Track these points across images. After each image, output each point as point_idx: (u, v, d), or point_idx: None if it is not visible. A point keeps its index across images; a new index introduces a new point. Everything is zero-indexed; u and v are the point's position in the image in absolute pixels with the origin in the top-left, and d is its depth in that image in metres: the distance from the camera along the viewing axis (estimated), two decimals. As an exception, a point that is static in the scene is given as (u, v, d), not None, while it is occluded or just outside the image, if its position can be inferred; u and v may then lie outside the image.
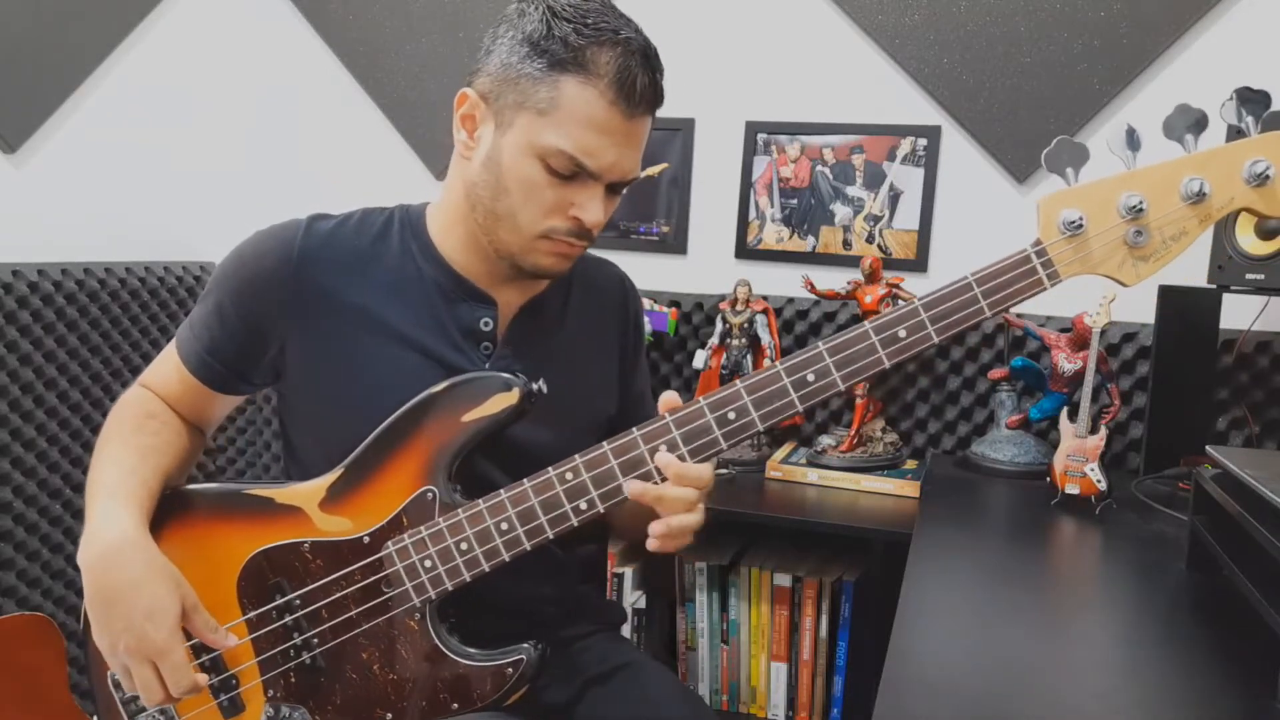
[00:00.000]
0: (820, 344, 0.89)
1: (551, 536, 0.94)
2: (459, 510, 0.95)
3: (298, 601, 0.98)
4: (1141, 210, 0.84)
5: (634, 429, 0.92)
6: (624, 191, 1.02)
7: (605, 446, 0.93)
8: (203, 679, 0.95)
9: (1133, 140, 0.86)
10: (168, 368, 1.08)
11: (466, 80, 1.00)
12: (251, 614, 0.99)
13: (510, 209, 0.97)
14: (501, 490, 0.95)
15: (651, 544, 0.92)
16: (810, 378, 0.89)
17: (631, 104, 0.94)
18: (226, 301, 1.03)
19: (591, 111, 0.93)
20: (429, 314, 1.03)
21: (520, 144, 0.95)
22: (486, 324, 1.04)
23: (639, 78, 0.93)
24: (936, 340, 0.87)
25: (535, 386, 0.96)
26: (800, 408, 0.90)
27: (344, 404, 1.01)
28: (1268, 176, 0.82)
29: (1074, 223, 0.85)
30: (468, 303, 1.04)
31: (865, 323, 0.89)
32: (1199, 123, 0.85)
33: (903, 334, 0.88)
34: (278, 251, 1.01)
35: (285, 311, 1.01)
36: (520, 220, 0.97)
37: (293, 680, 0.99)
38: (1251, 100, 0.85)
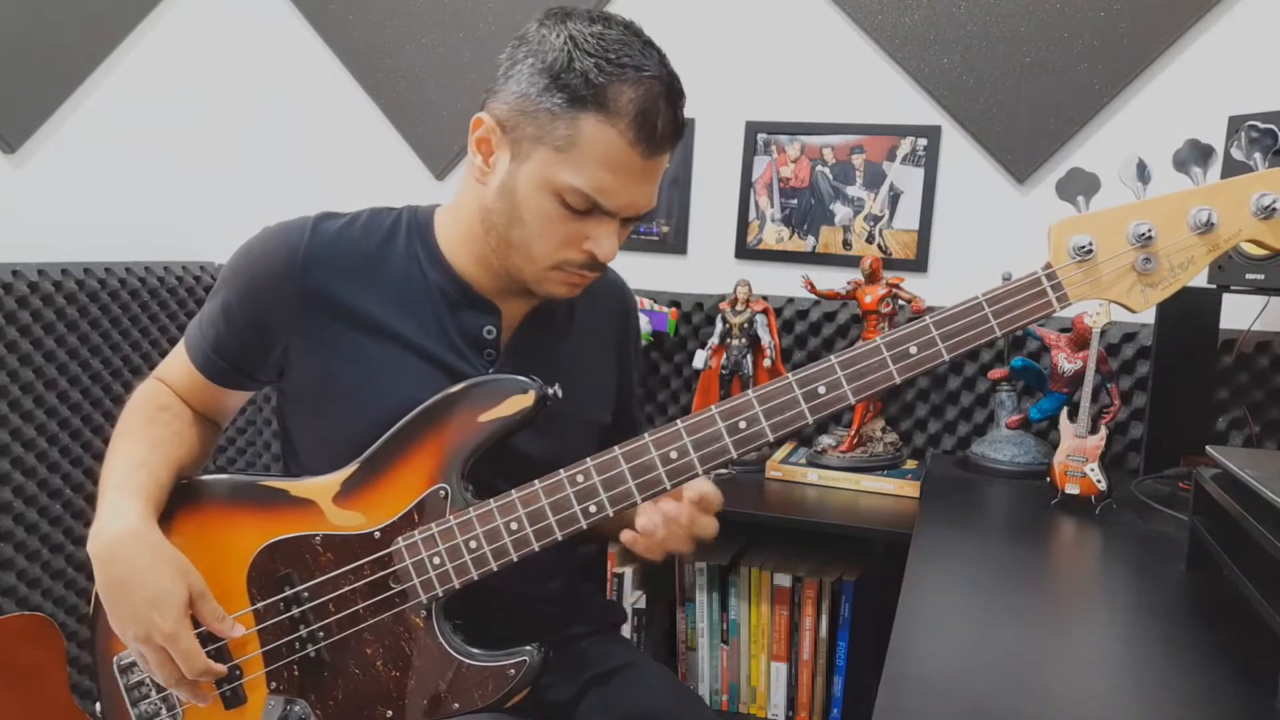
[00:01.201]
0: (832, 357, 0.90)
1: (560, 538, 0.94)
2: (470, 509, 0.96)
3: (305, 594, 0.99)
4: (1150, 238, 0.86)
5: (645, 434, 0.93)
6: (638, 221, 1.02)
7: (617, 451, 0.93)
8: (219, 666, 0.96)
9: (1143, 173, 0.88)
10: (178, 362, 1.09)
11: (482, 102, 0.99)
12: (259, 604, 1.00)
13: (524, 239, 0.97)
14: (512, 490, 0.95)
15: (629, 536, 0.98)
16: (822, 390, 0.90)
17: (652, 144, 0.93)
18: (233, 300, 1.03)
19: (610, 152, 0.91)
20: (433, 320, 1.03)
21: (536, 178, 0.94)
22: (490, 332, 1.04)
23: (660, 117, 0.92)
24: (947, 358, 0.88)
25: (551, 391, 0.97)
26: (810, 419, 0.91)
27: (346, 406, 1.02)
28: (1275, 209, 0.83)
29: (1084, 248, 0.86)
30: (471, 310, 1.04)
31: (877, 338, 0.90)
32: (1207, 155, 0.87)
33: (914, 350, 0.88)
34: (283, 253, 1.01)
35: (290, 313, 1.01)
36: (534, 251, 0.97)
37: (296, 673, 0.99)
38: (1259, 136, 0.87)
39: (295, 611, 0.99)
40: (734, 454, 0.92)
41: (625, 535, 0.99)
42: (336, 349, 1.01)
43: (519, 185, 0.95)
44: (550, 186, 0.93)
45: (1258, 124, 0.88)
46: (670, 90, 0.93)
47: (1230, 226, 0.85)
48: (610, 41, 0.92)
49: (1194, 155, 0.87)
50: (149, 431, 1.03)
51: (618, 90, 0.90)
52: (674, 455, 0.92)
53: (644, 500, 0.93)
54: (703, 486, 0.98)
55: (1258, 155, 0.87)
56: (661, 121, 0.92)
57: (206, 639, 0.98)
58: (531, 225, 0.96)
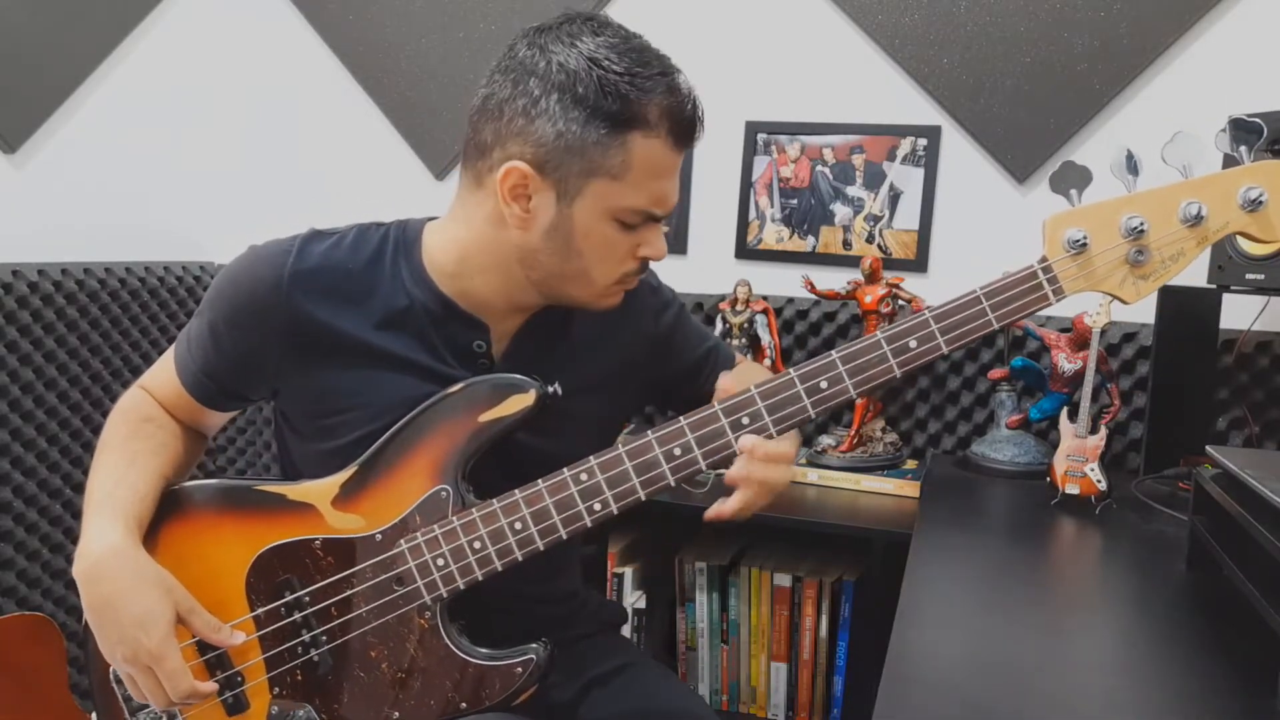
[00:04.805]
0: (833, 352, 0.91)
1: (565, 537, 0.95)
2: (473, 509, 0.96)
3: (307, 598, 0.98)
4: (1142, 231, 0.87)
5: (649, 432, 0.93)
6: None
7: (620, 449, 0.94)
8: (206, 688, 0.95)
9: (1132, 165, 0.90)
10: (166, 377, 1.07)
11: (486, 145, 0.95)
12: (259, 610, 0.99)
13: (581, 269, 0.98)
14: (516, 490, 0.95)
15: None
16: (824, 385, 0.91)
17: (687, 140, 0.97)
18: (220, 325, 1.01)
19: (659, 161, 0.94)
20: (421, 340, 1.01)
21: (595, 210, 0.95)
22: (479, 345, 1.03)
23: (688, 113, 0.95)
24: (946, 351, 0.90)
25: (551, 389, 0.97)
26: (813, 414, 0.92)
27: (341, 423, 1.01)
28: (1261, 202, 0.85)
29: (1078, 241, 0.88)
30: (458, 324, 1.02)
31: (877, 333, 0.91)
32: (1198, 151, 0.88)
33: (913, 344, 0.90)
34: (269, 279, 0.98)
35: (278, 338, 0.99)
36: (595, 275, 0.98)
37: (299, 678, 0.99)
38: (1245, 130, 0.89)
39: (297, 616, 0.99)
40: (737, 449, 0.92)
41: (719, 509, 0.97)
42: (328, 369, 1.00)
43: (574, 222, 0.95)
44: (612, 214, 0.95)
45: (1243, 117, 0.89)
46: (682, 78, 0.96)
47: (1219, 219, 0.86)
48: (626, 55, 0.92)
49: (1184, 149, 0.89)
50: (132, 444, 1.03)
51: (651, 102, 0.92)
52: (677, 452, 0.92)
53: (647, 497, 0.94)
54: (754, 442, 0.93)
55: (1243, 149, 0.89)
56: (688, 114, 0.96)
57: (206, 647, 0.98)
58: (591, 255, 0.97)
